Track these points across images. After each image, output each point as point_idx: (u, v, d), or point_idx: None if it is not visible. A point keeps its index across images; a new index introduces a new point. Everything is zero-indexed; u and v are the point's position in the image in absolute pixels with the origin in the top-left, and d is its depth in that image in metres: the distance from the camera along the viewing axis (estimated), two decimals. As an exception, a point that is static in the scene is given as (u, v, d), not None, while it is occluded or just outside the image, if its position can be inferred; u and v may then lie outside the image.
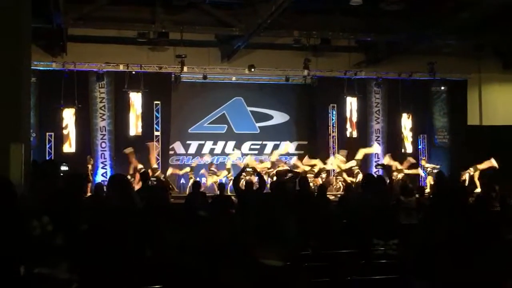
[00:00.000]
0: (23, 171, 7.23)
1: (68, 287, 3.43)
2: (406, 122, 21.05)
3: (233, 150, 19.96)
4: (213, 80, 20.08)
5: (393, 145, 20.94)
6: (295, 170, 16.82)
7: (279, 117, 20.93)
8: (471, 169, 18.91)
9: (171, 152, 19.79)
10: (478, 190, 17.38)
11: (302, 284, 3.32)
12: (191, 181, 17.16)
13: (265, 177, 15.95)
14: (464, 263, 4.04)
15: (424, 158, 20.60)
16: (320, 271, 5.60)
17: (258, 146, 20.47)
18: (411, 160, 19.66)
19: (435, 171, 18.10)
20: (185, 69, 18.95)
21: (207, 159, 19.65)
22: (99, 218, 5.37)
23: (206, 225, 5.87)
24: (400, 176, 18.48)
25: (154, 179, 15.81)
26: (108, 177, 18.43)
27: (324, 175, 18.94)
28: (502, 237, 4.37)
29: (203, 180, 18.43)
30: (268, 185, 12.44)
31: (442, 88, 21.27)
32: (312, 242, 6.94)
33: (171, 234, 5.89)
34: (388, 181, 9.98)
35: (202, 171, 19.16)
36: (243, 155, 19.81)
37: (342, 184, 18.33)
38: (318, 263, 5.94)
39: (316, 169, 18.84)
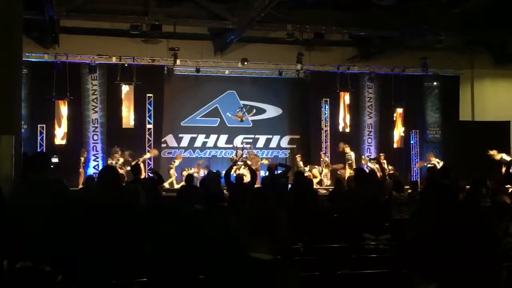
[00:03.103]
0: (14, 164, 7.19)
1: (53, 279, 3.42)
2: (399, 117, 21.07)
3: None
4: (206, 73, 20.04)
5: (385, 140, 20.99)
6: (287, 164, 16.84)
7: (272, 111, 20.92)
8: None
9: (163, 145, 19.76)
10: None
11: (292, 278, 3.33)
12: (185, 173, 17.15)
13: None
14: (457, 256, 4.05)
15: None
16: (311, 265, 5.61)
17: (251, 140, 20.46)
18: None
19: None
20: (178, 62, 18.90)
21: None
22: (91, 212, 5.35)
23: (201, 218, 5.87)
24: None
25: (150, 171, 15.80)
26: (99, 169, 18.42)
27: None
28: (492, 230, 4.39)
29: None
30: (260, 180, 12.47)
31: (435, 83, 21.32)
32: (303, 236, 6.96)
33: (166, 227, 5.89)
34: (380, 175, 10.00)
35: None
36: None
37: None
38: (308, 257, 5.94)
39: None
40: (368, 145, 20.91)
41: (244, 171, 15.01)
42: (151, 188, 9.87)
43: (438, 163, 18.91)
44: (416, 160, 21.10)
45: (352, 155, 19.32)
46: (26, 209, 5.11)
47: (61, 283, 3.50)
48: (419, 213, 5.42)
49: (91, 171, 18.13)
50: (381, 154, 19.39)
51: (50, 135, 18.27)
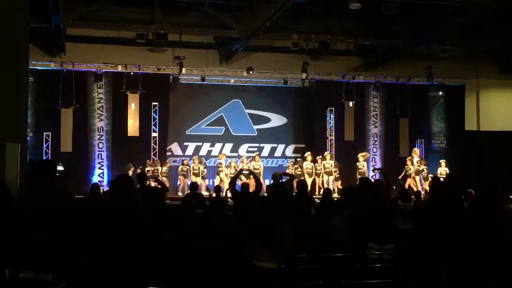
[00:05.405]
0: (19, 171, 7.21)
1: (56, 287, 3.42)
2: (404, 126, 21.00)
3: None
4: (211, 82, 20.08)
5: (390, 149, 20.94)
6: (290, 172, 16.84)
7: (276, 120, 20.93)
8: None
9: (168, 154, 19.78)
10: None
11: (296, 287, 3.32)
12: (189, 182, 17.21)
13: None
14: (460, 265, 4.04)
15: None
16: (315, 274, 5.59)
17: (256, 149, 20.45)
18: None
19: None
20: (184, 70, 18.94)
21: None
22: (100, 218, 5.36)
23: (203, 224, 5.88)
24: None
25: (153, 179, 15.80)
26: (105, 177, 18.45)
27: None
28: (501, 238, 4.36)
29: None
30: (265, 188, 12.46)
31: (440, 93, 21.30)
32: (308, 245, 6.93)
33: (169, 233, 5.89)
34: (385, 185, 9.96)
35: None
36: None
37: None
38: (312, 266, 5.93)
39: None
40: (373, 155, 20.86)
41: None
42: (156, 196, 9.87)
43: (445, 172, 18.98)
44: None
45: (364, 164, 19.44)
46: (30, 215, 5.12)
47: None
48: (424, 222, 5.41)
49: (96, 179, 18.16)
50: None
51: (56, 143, 18.32)
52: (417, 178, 19.15)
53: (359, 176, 18.77)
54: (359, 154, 19.59)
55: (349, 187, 10.16)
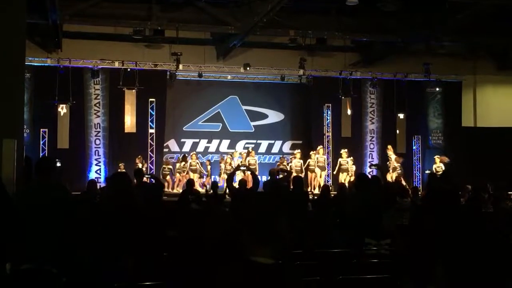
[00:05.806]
0: (16, 167, 7.19)
1: (57, 281, 3.43)
2: (401, 122, 20.99)
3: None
4: (208, 78, 20.07)
5: (387, 145, 20.92)
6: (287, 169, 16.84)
7: (274, 116, 20.93)
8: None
9: (165, 150, 19.77)
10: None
11: (293, 282, 3.32)
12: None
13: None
14: (457, 262, 4.04)
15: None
16: (312, 269, 5.60)
17: (253, 145, 20.45)
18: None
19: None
20: (181, 66, 18.92)
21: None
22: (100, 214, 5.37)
23: (199, 219, 5.88)
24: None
25: (149, 175, 15.81)
26: (102, 174, 18.45)
27: None
28: (496, 236, 4.37)
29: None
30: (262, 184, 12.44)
31: (437, 89, 21.28)
32: (305, 240, 6.95)
33: (169, 229, 5.89)
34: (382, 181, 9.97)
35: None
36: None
37: None
38: (310, 262, 5.94)
39: None
40: (370, 151, 20.88)
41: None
42: (153, 192, 9.87)
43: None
44: (418, 165, 21.07)
45: (348, 161, 19.32)
46: (26, 211, 5.11)
47: (65, 285, 3.51)
48: (419, 218, 5.42)
49: (93, 175, 18.14)
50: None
51: (53, 140, 18.30)
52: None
53: (337, 172, 18.92)
54: (342, 150, 19.40)
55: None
